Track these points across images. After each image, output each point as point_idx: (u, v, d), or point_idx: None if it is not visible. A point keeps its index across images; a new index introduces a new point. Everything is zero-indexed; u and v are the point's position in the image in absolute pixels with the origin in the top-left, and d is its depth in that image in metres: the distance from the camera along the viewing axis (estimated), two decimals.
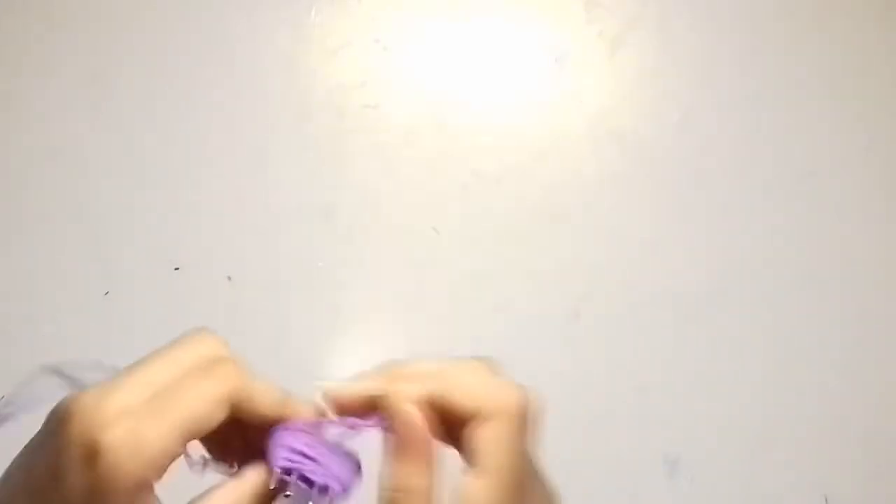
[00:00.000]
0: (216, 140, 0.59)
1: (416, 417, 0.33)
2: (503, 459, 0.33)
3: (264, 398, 0.33)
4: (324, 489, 0.34)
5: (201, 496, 0.30)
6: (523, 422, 0.33)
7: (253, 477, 0.32)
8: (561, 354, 0.55)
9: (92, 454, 0.30)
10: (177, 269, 0.58)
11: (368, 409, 0.34)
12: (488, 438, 0.33)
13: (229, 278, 0.58)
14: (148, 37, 0.60)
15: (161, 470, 0.30)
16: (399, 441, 0.33)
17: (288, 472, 0.33)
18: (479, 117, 0.59)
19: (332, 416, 0.34)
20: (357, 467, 0.35)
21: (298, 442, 0.35)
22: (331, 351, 0.58)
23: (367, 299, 0.57)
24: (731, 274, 0.57)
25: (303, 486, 0.33)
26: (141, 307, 0.58)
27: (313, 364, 0.57)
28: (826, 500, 0.55)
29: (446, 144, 0.59)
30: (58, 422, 0.31)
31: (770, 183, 0.58)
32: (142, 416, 0.31)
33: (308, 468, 0.35)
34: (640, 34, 0.59)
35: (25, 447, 0.34)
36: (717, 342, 0.55)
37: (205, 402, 0.32)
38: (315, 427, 0.34)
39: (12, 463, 0.34)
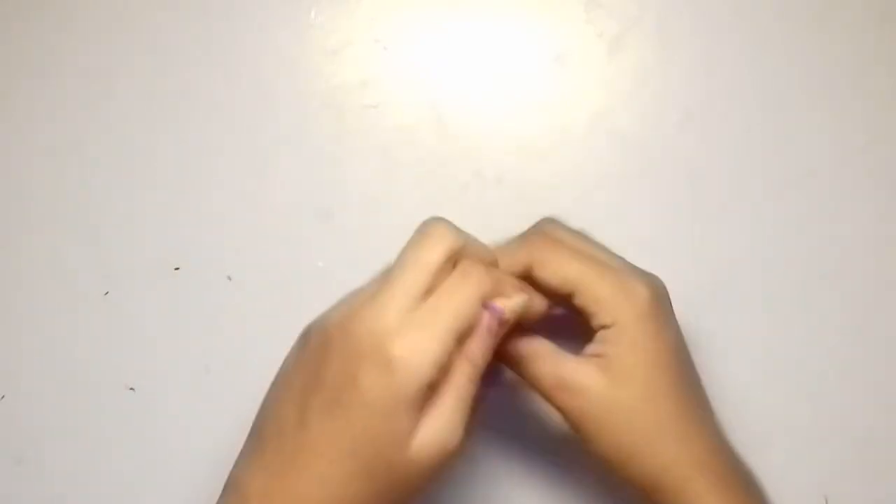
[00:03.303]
0: (216, 140, 0.59)
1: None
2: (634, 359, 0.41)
3: (511, 292, 0.41)
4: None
5: None
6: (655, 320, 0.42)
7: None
8: None
9: (386, 362, 0.36)
10: (177, 269, 0.58)
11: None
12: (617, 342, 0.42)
13: (229, 278, 0.58)
14: (147, 36, 0.60)
15: (443, 369, 0.37)
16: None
17: None
18: (479, 117, 0.59)
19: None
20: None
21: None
22: None
23: None
24: (731, 274, 0.57)
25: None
26: (141, 307, 0.58)
27: None
28: (826, 501, 0.55)
29: (446, 144, 0.59)
30: (341, 333, 0.38)
31: (770, 183, 0.58)
32: (419, 324, 0.37)
33: None
34: (640, 34, 0.59)
35: (296, 356, 0.41)
36: (716, 342, 0.55)
37: (468, 305, 0.39)
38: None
39: (284, 369, 0.42)
